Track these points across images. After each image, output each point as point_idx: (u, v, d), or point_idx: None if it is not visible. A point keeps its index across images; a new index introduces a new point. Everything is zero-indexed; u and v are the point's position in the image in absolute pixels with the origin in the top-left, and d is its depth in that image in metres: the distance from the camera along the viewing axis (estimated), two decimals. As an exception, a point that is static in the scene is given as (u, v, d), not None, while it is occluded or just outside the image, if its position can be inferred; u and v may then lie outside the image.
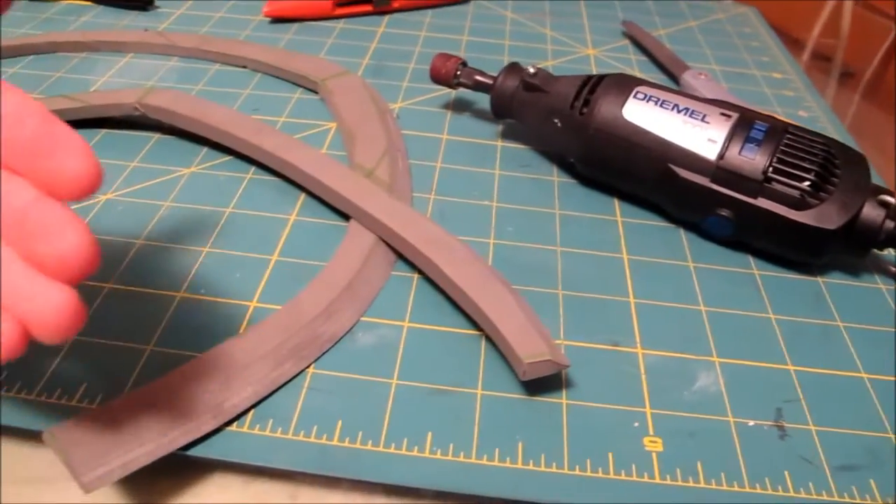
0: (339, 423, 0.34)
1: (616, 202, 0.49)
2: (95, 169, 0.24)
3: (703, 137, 0.44)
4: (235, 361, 0.35)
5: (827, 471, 0.34)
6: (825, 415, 0.36)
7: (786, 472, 0.33)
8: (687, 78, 0.61)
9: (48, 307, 0.24)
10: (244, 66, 0.61)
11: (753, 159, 0.42)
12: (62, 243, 0.24)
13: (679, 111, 0.45)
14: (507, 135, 0.55)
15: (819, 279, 0.44)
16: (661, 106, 0.45)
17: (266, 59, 0.60)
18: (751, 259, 0.45)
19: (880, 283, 0.45)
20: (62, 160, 0.24)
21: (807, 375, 0.38)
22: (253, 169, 0.49)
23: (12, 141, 0.24)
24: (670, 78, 0.64)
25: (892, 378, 0.38)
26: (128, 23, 0.68)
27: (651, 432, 0.34)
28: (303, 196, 0.47)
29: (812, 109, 0.62)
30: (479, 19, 0.73)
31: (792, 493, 0.32)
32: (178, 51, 0.63)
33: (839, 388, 0.38)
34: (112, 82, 0.58)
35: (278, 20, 0.69)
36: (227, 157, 0.50)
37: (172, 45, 0.62)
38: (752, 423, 0.35)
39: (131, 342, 0.37)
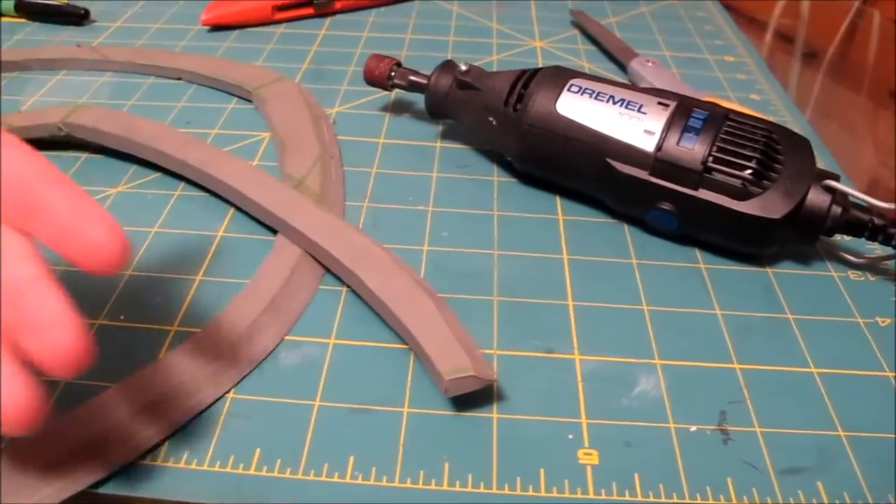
0: (258, 450, 0.32)
1: (558, 199, 0.47)
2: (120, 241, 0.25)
3: (640, 129, 0.42)
4: (150, 390, 0.33)
5: (772, 475, 0.32)
6: (772, 415, 0.34)
7: (728, 479, 0.32)
8: (634, 66, 0.60)
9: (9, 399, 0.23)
10: (179, 78, 0.59)
11: (692, 149, 0.41)
12: (50, 339, 0.23)
13: (615, 103, 0.43)
14: (446, 135, 0.53)
15: (768, 270, 0.43)
16: (595, 98, 0.44)
17: (200, 69, 0.58)
18: (697, 252, 0.44)
19: (832, 270, 0.43)
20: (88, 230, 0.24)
21: (753, 373, 0.36)
22: (182, 185, 0.47)
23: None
24: (619, 67, 0.63)
25: (842, 371, 0.37)
26: (63, 38, 0.66)
27: (586, 444, 0.33)
28: (231, 211, 0.45)
29: (764, 92, 0.60)
30: (424, 16, 0.71)
31: (735, 501, 0.31)
32: (111, 65, 0.61)
33: (787, 386, 0.36)
34: (42, 101, 0.56)
35: (217, 28, 0.67)
36: (156, 174, 0.48)
37: (105, 59, 0.61)
38: (693, 428, 0.34)
39: (42, 374, 0.35)
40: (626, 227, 0.45)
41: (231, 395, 0.35)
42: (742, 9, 0.81)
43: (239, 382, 0.35)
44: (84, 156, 0.50)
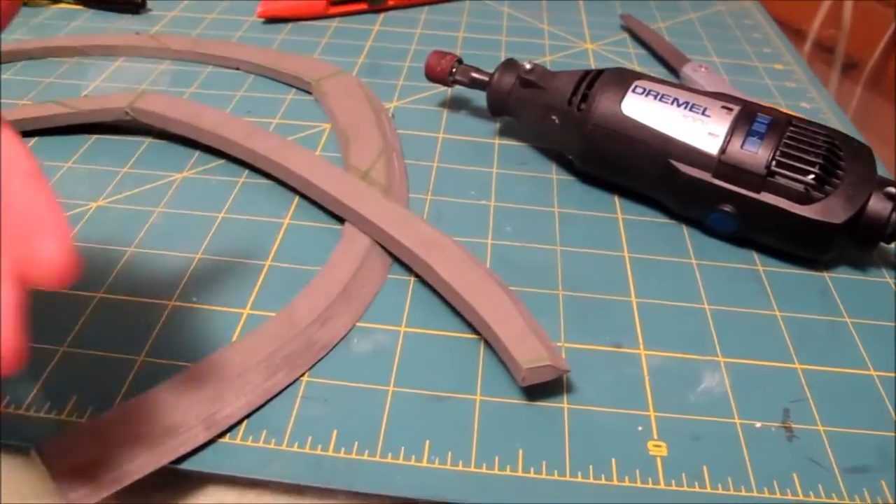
0: (335, 432, 0.33)
1: (616, 199, 0.48)
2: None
3: (704, 131, 0.43)
4: (227, 371, 0.34)
5: (837, 472, 0.33)
6: (834, 415, 0.35)
7: (794, 475, 0.32)
8: (687, 71, 0.60)
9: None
10: (237, 68, 0.60)
11: (756, 153, 0.41)
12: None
13: (679, 105, 0.44)
14: (504, 132, 0.54)
15: (825, 274, 0.43)
16: (660, 100, 0.44)
17: (259, 60, 0.59)
18: (755, 255, 0.44)
19: (888, 277, 0.44)
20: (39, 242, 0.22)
21: (814, 374, 0.37)
22: (246, 172, 0.48)
23: None
24: (670, 71, 0.63)
25: (902, 375, 0.37)
26: (119, 26, 0.67)
27: (655, 436, 0.34)
28: (297, 199, 0.46)
29: (815, 101, 0.61)
30: (476, 15, 0.72)
31: (801, 497, 0.31)
32: (169, 54, 0.62)
33: (847, 387, 0.37)
34: (103, 87, 0.57)
35: (271, 21, 0.68)
36: (220, 161, 0.49)
37: (164, 48, 0.62)
38: (758, 424, 0.34)
39: (121, 353, 0.36)
40: (684, 227, 0.46)
41: (306, 378, 0.35)
42: (783, 18, 0.81)
43: (313, 366, 0.36)
44: (148, 141, 0.51)
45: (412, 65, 0.62)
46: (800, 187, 0.41)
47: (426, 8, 0.73)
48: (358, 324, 0.38)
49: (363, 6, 0.70)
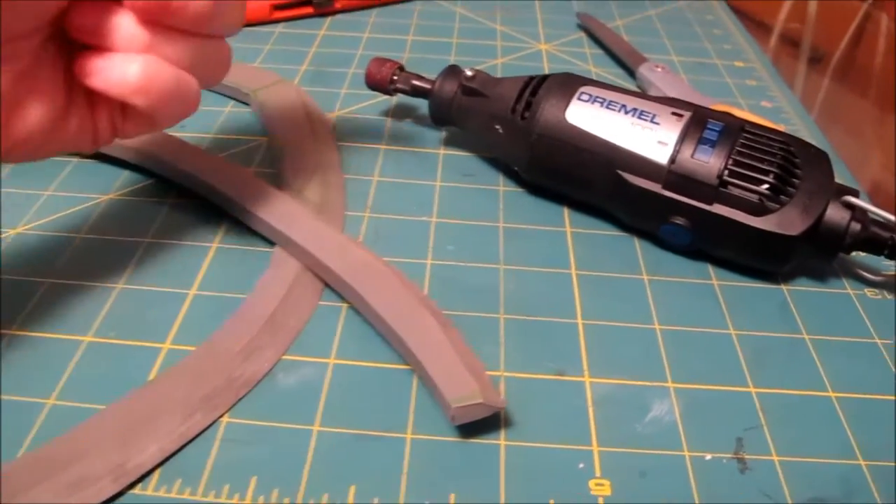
0: (254, 479, 0.31)
1: (566, 211, 0.46)
2: None
3: (654, 140, 0.41)
4: (139, 415, 0.32)
5: (792, 508, 0.30)
6: (790, 442, 0.33)
7: (746, 513, 0.30)
8: (643, 71, 0.58)
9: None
10: (174, 79, 0.57)
11: (707, 162, 0.39)
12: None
13: (627, 112, 0.42)
14: (450, 142, 0.51)
15: (783, 287, 0.41)
16: (607, 107, 0.42)
17: (196, 70, 0.56)
18: (710, 268, 0.42)
19: (849, 288, 0.42)
20: None
21: (770, 398, 0.35)
22: (175, 192, 0.45)
23: None
24: (627, 72, 0.61)
25: (861, 395, 0.35)
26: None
27: (598, 473, 0.31)
28: (227, 221, 0.43)
29: (776, 99, 0.59)
30: (426, 17, 0.70)
31: (754, 537, 0.29)
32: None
33: (805, 411, 0.35)
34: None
35: (214, 27, 0.65)
36: (149, 181, 0.46)
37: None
38: (709, 456, 0.32)
39: (30, 396, 0.33)
40: (636, 240, 0.44)
41: (226, 419, 0.33)
42: (747, 10, 0.79)
43: (234, 406, 0.33)
44: (75, 160, 0.48)
45: (357, 71, 0.59)
46: (754, 198, 0.39)
47: (375, 10, 0.70)
48: (284, 356, 0.36)
49: (309, 10, 0.67)
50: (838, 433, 0.34)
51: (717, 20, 0.73)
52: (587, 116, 0.42)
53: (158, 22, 0.30)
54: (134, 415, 0.32)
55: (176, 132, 0.49)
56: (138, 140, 0.45)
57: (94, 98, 0.32)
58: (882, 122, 0.64)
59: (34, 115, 0.29)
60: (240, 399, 0.34)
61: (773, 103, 0.58)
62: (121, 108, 0.33)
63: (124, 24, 0.30)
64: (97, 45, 0.30)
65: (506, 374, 0.35)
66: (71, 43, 0.30)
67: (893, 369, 0.37)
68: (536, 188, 0.47)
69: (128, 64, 0.30)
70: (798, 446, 0.33)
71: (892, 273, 0.42)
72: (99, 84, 0.30)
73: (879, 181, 0.55)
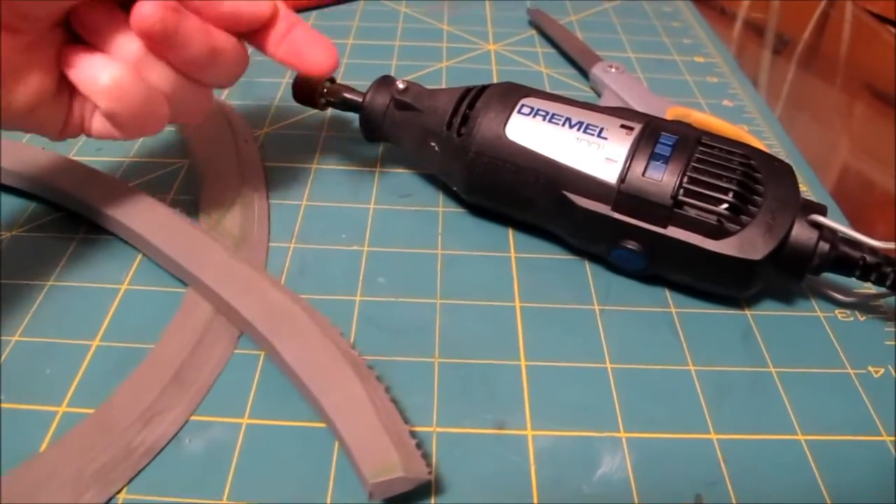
0: (149, 570, 0.27)
1: (510, 233, 0.42)
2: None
3: (601, 157, 0.37)
4: (22, 496, 0.27)
5: (757, 578, 0.27)
6: (755, 496, 0.30)
7: (706, 587, 0.26)
8: (597, 72, 0.54)
9: None
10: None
11: (660, 181, 0.36)
12: None
13: (571, 126, 0.38)
14: (386, 159, 0.47)
15: (747, 312, 0.38)
16: (550, 121, 0.38)
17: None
18: (667, 293, 0.39)
19: (818, 310, 0.38)
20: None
21: (732, 444, 0.32)
22: (86, 226, 0.41)
23: None
24: (580, 72, 0.57)
25: (833, 437, 0.32)
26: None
27: (540, 547, 0.28)
28: (139, 258, 0.39)
29: (738, 97, 0.55)
30: (369, 18, 0.65)
31: None
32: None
33: (771, 459, 0.31)
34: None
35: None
36: (57, 214, 0.42)
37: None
38: (665, 519, 0.29)
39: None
40: (587, 264, 0.40)
41: (123, 495, 0.29)
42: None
43: (133, 479, 0.29)
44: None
45: (290, 81, 0.55)
46: (712, 219, 0.35)
47: (313, 13, 0.66)
48: (193, 417, 0.32)
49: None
50: (808, 482, 0.31)
51: (675, 12, 0.69)
52: (528, 131, 0.38)
53: (154, 50, 0.33)
54: (15, 495, 0.28)
55: (91, 157, 0.44)
56: (41, 168, 0.41)
57: (74, 92, 0.34)
58: (848, 109, 0.62)
59: (33, 83, 0.31)
60: (140, 471, 0.30)
61: (734, 102, 0.55)
62: (92, 109, 0.34)
63: (124, 35, 0.32)
64: (93, 44, 0.33)
65: (438, 429, 0.32)
66: (72, 35, 0.33)
67: (869, 408, 0.33)
68: (479, 208, 0.43)
69: (105, 67, 0.32)
70: (764, 501, 0.29)
71: (864, 292, 0.38)
72: (73, 76, 0.32)
73: (847, 167, 0.52)
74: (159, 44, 0.32)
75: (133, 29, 0.32)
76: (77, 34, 0.33)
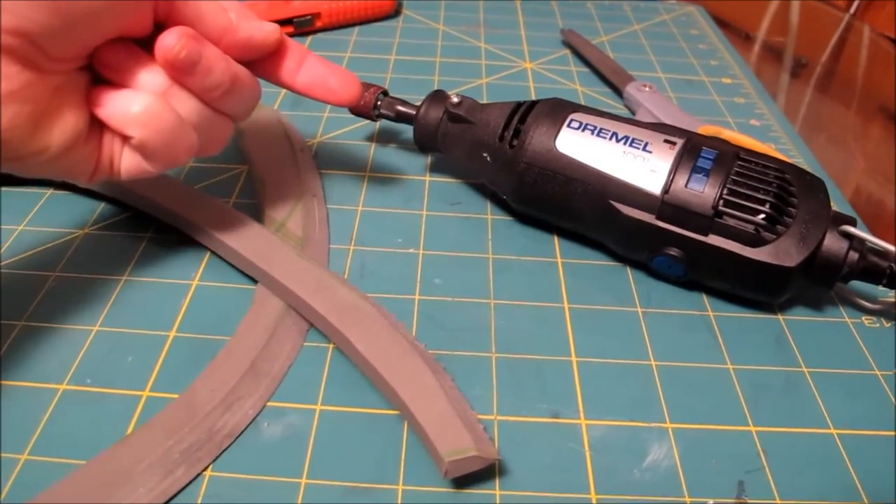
0: (240, 538, 0.29)
1: (556, 240, 0.44)
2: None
3: (646, 169, 0.40)
4: (118, 473, 0.30)
5: (797, 556, 0.29)
6: (792, 484, 0.32)
7: (751, 563, 0.29)
8: (631, 91, 0.57)
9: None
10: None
11: (702, 192, 0.38)
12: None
13: (618, 140, 0.41)
14: (436, 168, 0.50)
15: (780, 317, 0.40)
16: (597, 135, 0.41)
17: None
18: (705, 298, 0.41)
19: (846, 317, 0.41)
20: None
21: (770, 437, 0.34)
22: (154, 226, 0.44)
23: None
24: (613, 90, 0.60)
25: (863, 432, 0.34)
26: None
27: (597, 526, 0.30)
28: (207, 256, 0.42)
29: (764, 117, 0.58)
30: (409, 35, 0.68)
31: (759, 590, 0.28)
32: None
33: (806, 450, 0.34)
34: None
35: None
36: (125, 214, 0.44)
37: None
38: (711, 502, 0.31)
39: (1, 451, 0.32)
40: (629, 270, 0.43)
41: (209, 473, 0.31)
42: (729, 20, 0.79)
43: (217, 458, 0.32)
44: (48, 192, 0.46)
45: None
46: (749, 228, 0.38)
47: (356, 28, 0.68)
48: (269, 403, 0.34)
49: (289, 29, 0.65)
50: (841, 472, 0.33)
51: (701, 34, 0.72)
52: (577, 145, 0.41)
53: (179, 79, 0.33)
54: (113, 473, 0.30)
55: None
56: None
57: (103, 132, 0.34)
58: (865, 131, 0.64)
59: (69, 123, 0.32)
60: (223, 451, 0.32)
61: (761, 121, 0.57)
62: (120, 148, 0.34)
63: (147, 69, 0.33)
64: (117, 82, 0.33)
65: (499, 417, 0.34)
66: (96, 78, 0.33)
67: (894, 403, 0.36)
68: (525, 216, 0.45)
69: (135, 98, 0.32)
70: (800, 488, 0.32)
71: (890, 300, 0.41)
72: (103, 113, 0.33)
73: (862, 188, 0.55)
74: (184, 72, 0.33)
75: (158, 59, 0.33)
76: (101, 76, 0.33)
